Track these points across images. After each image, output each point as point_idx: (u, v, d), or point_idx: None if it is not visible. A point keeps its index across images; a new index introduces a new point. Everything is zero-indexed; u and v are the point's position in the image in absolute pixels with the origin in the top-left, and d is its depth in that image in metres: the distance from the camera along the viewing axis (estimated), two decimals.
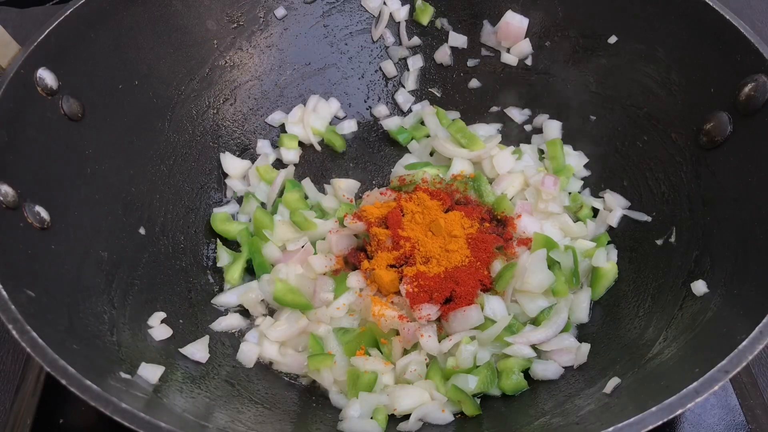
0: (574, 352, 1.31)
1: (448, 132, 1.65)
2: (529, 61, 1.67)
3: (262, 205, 1.59)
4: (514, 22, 1.63)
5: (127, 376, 1.07)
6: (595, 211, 1.55)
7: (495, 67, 1.71)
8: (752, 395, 1.29)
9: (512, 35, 1.65)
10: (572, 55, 1.60)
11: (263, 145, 1.67)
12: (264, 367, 1.35)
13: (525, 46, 1.65)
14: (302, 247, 1.46)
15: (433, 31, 1.74)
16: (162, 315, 1.28)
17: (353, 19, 1.73)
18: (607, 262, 1.42)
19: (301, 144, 1.71)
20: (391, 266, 1.37)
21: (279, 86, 1.70)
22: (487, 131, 1.71)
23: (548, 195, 1.50)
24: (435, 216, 1.41)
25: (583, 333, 1.37)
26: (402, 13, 1.73)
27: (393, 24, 1.75)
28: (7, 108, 1.13)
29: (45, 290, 1.06)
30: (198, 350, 1.27)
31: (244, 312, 1.43)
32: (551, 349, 1.30)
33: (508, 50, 1.68)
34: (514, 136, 1.69)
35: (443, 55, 1.74)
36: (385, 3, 1.72)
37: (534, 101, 1.69)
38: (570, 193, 1.57)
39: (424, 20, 1.72)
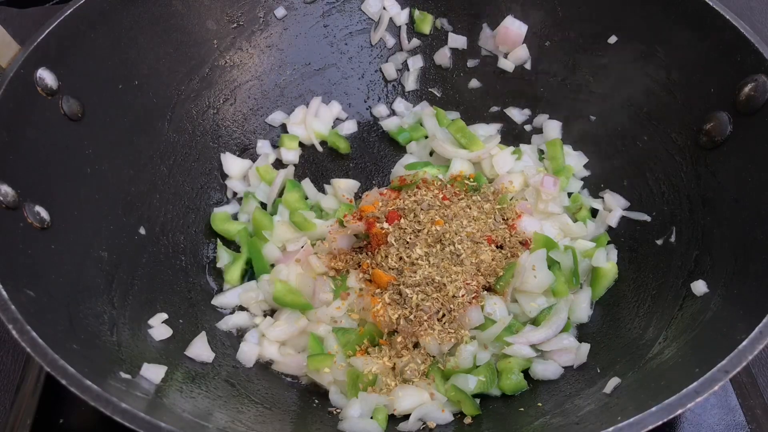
0: (574, 352, 1.31)
1: (447, 133, 1.65)
2: (528, 64, 1.67)
3: (262, 205, 1.59)
4: (513, 27, 1.63)
5: (128, 377, 1.07)
6: (595, 212, 1.55)
7: (495, 67, 1.71)
8: (752, 395, 1.29)
9: (510, 40, 1.65)
10: (572, 55, 1.60)
11: (263, 145, 1.67)
12: (264, 367, 1.34)
13: (522, 52, 1.65)
14: (302, 247, 1.46)
15: (433, 31, 1.74)
16: (163, 316, 1.28)
17: (353, 20, 1.73)
18: (607, 262, 1.42)
19: (301, 144, 1.71)
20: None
21: (279, 86, 1.70)
22: (487, 131, 1.71)
23: (548, 195, 1.50)
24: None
25: (583, 333, 1.37)
26: (402, 17, 1.73)
27: (393, 26, 1.74)
28: (7, 108, 1.13)
29: (45, 290, 1.06)
30: (203, 351, 1.27)
31: (246, 311, 1.43)
32: (551, 349, 1.30)
33: (505, 55, 1.68)
34: (514, 136, 1.69)
35: (443, 57, 1.74)
36: (384, 8, 1.72)
37: (534, 101, 1.69)
38: (570, 194, 1.57)
39: (426, 29, 1.73)
